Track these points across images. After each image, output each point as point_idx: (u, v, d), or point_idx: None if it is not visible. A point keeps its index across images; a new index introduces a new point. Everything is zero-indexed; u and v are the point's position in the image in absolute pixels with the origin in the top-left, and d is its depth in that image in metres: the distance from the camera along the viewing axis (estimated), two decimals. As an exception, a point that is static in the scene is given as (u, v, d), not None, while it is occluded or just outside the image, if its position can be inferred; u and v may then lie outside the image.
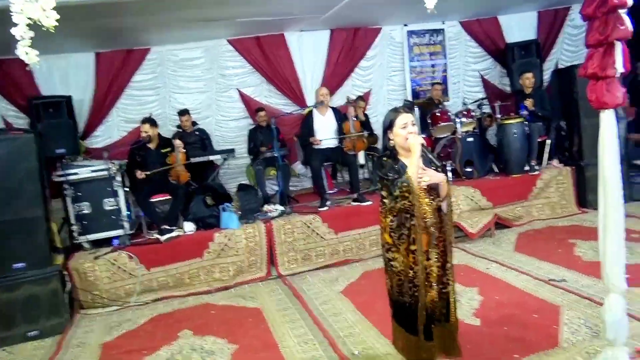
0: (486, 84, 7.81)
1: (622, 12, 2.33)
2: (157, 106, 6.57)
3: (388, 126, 2.52)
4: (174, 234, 4.97)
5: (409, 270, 2.50)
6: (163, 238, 4.89)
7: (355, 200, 5.58)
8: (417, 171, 2.42)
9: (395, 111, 2.56)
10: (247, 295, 4.64)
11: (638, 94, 8.09)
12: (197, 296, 4.76)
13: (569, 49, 8.11)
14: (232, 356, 3.44)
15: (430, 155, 2.62)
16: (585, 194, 5.92)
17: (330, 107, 5.89)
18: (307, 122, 5.80)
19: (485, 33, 7.61)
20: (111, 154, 5.37)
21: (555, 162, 6.17)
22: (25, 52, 2.25)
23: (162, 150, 5.35)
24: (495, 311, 3.59)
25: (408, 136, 2.45)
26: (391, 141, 2.52)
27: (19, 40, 2.23)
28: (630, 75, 8.49)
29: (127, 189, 5.32)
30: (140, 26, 5.49)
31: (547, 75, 7.66)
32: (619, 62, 2.33)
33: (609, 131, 2.44)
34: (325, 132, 5.72)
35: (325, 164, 5.94)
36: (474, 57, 7.79)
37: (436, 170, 2.57)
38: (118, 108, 6.48)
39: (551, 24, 7.82)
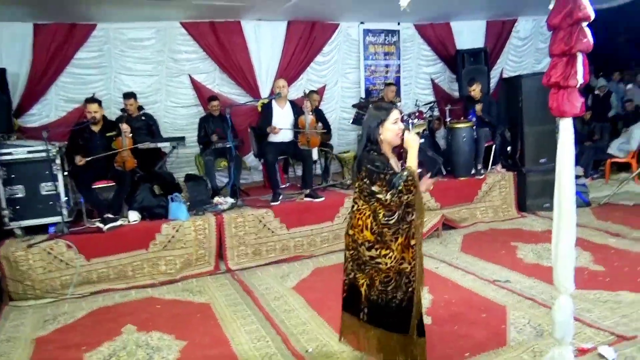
0: (436, 88, 8.04)
1: (585, 25, 2.44)
2: (101, 87, 6.20)
3: (380, 121, 2.49)
4: (117, 223, 4.70)
5: (407, 265, 2.49)
6: (106, 227, 4.62)
7: (307, 195, 5.54)
8: (416, 165, 2.44)
9: (386, 108, 2.55)
10: (194, 289, 4.48)
11: (594, 109, 8.67)
12: (140, 289, 4.54)
13: (513, 59, 8.53)
14: (181, 353, 3.30)
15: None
16: (525, 199, 6.22)
17: (289, 100, 5.81)
18: (266, 112, 5.67)
19: (437, 37, 7.82)
20: (50, 135, 4.98)
21: (498, 167, 6.45)
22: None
23: (107, 134, 5.04)
24: (445, 309, 3.68)
25: (405, 133, 2.47)
26: (380, 136, 2.49)
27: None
28: (585, 90, 9.08)
29: (66, 173, 4.97)
30: (84, -1, 5.13)
31: (492, 83, 8.00)
32: (580, 73, 2.45)
33: (566, 139, 2.56)
34: (282, 124, 5.61)
35: (279, 157, 5.85)
36: (426, 60, 7.99)
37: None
38: (57, 86, 6.04)
39: (498, 34, 8.17)
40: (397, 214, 2.44)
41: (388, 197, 2.39)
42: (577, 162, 7.50)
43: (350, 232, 2.56)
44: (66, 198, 4.84)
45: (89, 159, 4.79)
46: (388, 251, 2.46)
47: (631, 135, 7.19)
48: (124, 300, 4.33)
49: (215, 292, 4.40)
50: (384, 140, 2.50)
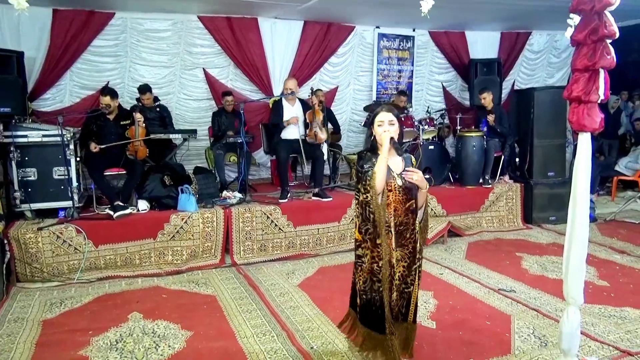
0: (447, 96, 8.07)
1: (609, 42, 2.47)
2: (115, 75, 6.25)
3: (371, 121, 2.61)
4: (127, 211, 4.74)
5: (374, 264, 2.56)
6: (116, 214, 4.65)
7: (316, 195, 5.57)
8: (385, 166, 2.48)
9: (377, 110, 2.64)
10: (200, 281, 4.51)
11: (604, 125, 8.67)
12: (146, 278, 4.57)
13: (525, 72, 8.56)
14: (187, 342, 3.32)
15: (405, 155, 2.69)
16: (531, 211, 6.24)
17: (298, 98, 5.84)
18: (277, 110, 5.71)
19: (451, 46, 7.85)
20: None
21: (506, 177, 6.48)
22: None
23: (121, 123, 5.07)
24: (449, 315, 3.71)
25: (381, 133, 2.53)
26: (372, 135, 2.61)
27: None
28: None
29: (78, 159, 5.00)
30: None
31: (504, 95, 8.02)
32: (602, 89, 2.47)
33: (584, 153, 2.58)
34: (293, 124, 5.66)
35: (290, 155, 5.88)
36: (439, 67, 8.02)
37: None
38: (72, 72, 6.08)
39: (512, 46, 8.21)
40: (362, 212, 2.55)
41: (360, 196, 2.54)
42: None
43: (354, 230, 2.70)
44: (77, 184, 4.88)
45: (103, 146, 4.82)
46: (367, 251, 2.57)
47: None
48: (130, 288, 4.36)
49: (220, 284, 4.42)
50: (378, 142, 2.58)
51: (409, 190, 2.58)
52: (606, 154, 8.60)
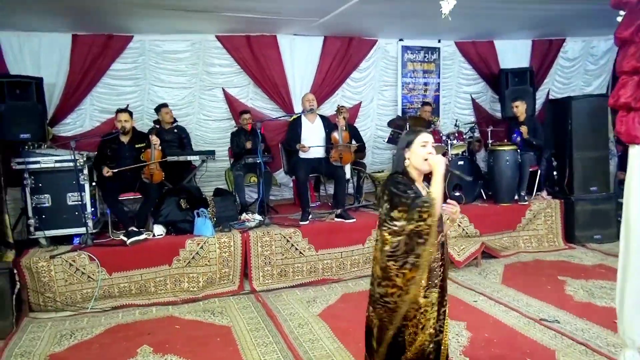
0: (477, 108, 7.69)
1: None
2: (135, 98, 6.17)
3: (406, 144, 2.27)
4: (141, 237, 4.57)
5: (413, 304, 2.21)
6: (129, 241, 4.49)
7: (338, 216, 5.29)
8: (442, 194, 2.15)
9: (416, 130, 2.33)
10: (216, 310, 4.28)
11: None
12: (161, 307, 4.38)
13: (560, 80, 8.09)
14: (196, 381, 3.08)
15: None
16: (573, 229, 5.77)
17: (319, 115, 5.62)
18: (294, 128, 5.50)
19: (479, 56, 7.50)
20: (81, 145, 4.96)
21: (544, 193, 6.04)
22: None
23: (136, 146, 4.96)
24: (485, 350, 3.34)
25: (427, 156, 2.20)
26: (407, 160, 2.25)
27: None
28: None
29: (94, 183, 4.90)
30: (122, 11, 5.10)
31: (538, 105, 7.59)
32: (656, 94, 2.13)
33: (637, 170, 2.23)
34: (312, 140, 5.44)
35: (311, 175, 5.64)
36: (467, 79, 7.67)
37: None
38: (92, 96, 6.03)
39: (545, 54, 7.77)
40: (405, 243, 2.14)
41: (403, 222, 2.13)
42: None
43: (373, 264, 2.33)
44: (93, 209, 4.77)
45: (116, 170, 4.70)
46: (394, 289, 2.18)
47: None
48: (143, 318, 4.17)
49: (236, 314, 4.18)
50: (412, 165, 2.26)
51: (441, 222, 2.28)
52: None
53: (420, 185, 2.30)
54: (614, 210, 5.84)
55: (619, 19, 2.32)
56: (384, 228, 2.20)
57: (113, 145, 4.84)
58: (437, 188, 2.14)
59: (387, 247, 2.20)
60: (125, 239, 4.54)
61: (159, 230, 4.78)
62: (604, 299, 4.16)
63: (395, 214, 2.15)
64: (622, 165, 6.80)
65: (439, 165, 2.16)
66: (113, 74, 6.04)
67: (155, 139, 4.91)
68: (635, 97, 2.13)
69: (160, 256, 4.55)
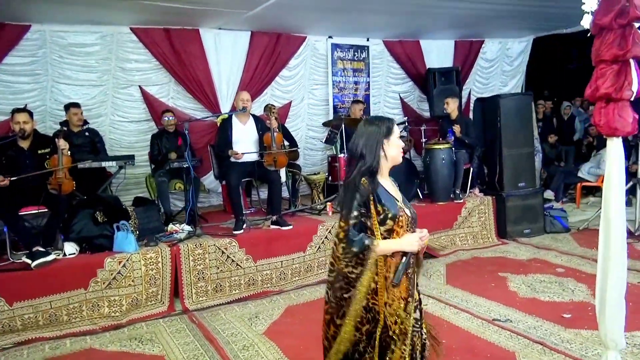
0: (405, 107, 7.71)
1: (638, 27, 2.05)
2: (35, 97, 5.40)
3: (385, 134, 1.99)
4: (49, 257, 3.89)
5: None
6: (34, 263, 3.80)
7: (274, 223, 4.92)
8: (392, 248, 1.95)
9: (387, 120, 2.06)
10: (144, 336, 3.73)
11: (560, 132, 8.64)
12: (77, 338, 3.73)
13: (480, 81, 8.39)
14: None
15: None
16: (505, 225, 5.89)
17: (252, 114, 5.23)
18: (224, 131, 5.06)
19: (407, 55, 7.52)
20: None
21: (476, 190, 6.12)
22: None
23: (39, 151, 4.26)
24: (446, 359, 3.16)
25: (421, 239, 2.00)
26: (384, 153, 1.98)
27: None
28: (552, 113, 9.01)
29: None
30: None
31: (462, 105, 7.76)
32: (635, 83, 2.04)
33: (616, 163, 2.13)
34: (245, 143, 5.03)
35: (243, 180, 5.21)
36: (395, 78, 7.67)
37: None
38: (-19, 95, 5.19)
39: (466, 55, 8.00)
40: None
41: (339, 250, 1.91)
42: (548, 186, 7.36)
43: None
44: (-16, 228, 4.00)
45: (15, 178, 3.98)
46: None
47: (601, 159, 7.08)
48: (55, 354, 3.52)
49: (169, 339, 3.67)
50: (387, 158, 2.03)
51: (415, 222, 2.04)
52: (564, 160, 8.52)
53: (387, 180, 2.07)
54: (541, 205, 6.05)
55: (585, 7, 2.21)
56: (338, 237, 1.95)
57: (9, 152, 4.10)
58: (387, 247, 1.93)
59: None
60: (28, 261, 3.84)
61: (70, 248, 4.12)
62: (546, 293, 4.20)
63: (341, 224, 1.93)
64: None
65: (413, 247, 1.96)
66: (6, 69, 5.26)
67: (63, 143, 4.24)
68: (616, 87, 2.02)
69: (73, 279, 3.90)
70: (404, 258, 1.96)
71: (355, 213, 1.92)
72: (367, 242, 1.89)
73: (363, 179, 1.96)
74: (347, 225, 1.90)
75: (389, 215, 1.94)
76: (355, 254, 1.89)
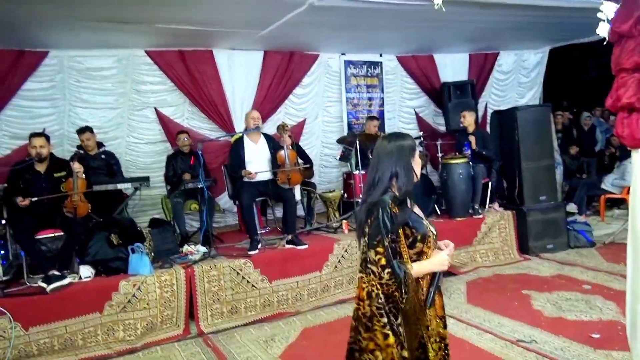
0: (420, 122, 7.63)
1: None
2: (53, 121, 5.49)
3: (411, 151, 1.94)
4: (65, 281, 3.89)
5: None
6: (50, 287, 3.79)
7: (289, 242, 4.86)
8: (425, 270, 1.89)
9: (408, 136, 2.02)
10: (159, 361, 3.69)
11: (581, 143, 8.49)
12: (91, 363, 3.71)
13: (496, 93, 8.27)
14: None
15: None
16: (527, 240, 5.72)
17: (263, 133, 5.21)
18: (236, 151, 5.03)
19: (421, 70, 7.47)
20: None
21: (495, 205, 5.98)
22: None
23: (55, 175, 4.29)
24: (469, 383, 3.03)
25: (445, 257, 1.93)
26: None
27: None
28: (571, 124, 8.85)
29: (3, 221, 4.17)
30: (36, 22, 4.47)
31: (479, 118, 7.64)
32: (659, 93, 1.94)
33: (642, 175, 2.02)
34: (257, 162, 5.00)
35: (257, 199, 5.18)
36: (409, 93, 7.62)
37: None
38: (2, 120, 5.28)
39: (481, 67, 7.92)
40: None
41: (385, 276, 1.77)
42: (571, 199, 7.15)
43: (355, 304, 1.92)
44: (2, 251, 4.02)
45: (34, 199, 4.01)
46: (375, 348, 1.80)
47: (625, 170, 6.87)
48: (70, 380, 3.50)
49: (184, 364, 3.62)
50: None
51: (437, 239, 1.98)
52: (586, 172, 8.30)
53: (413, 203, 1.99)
54: (564, 219, 5.87)
55: (600, 14, 2.13)
56: (367, 270, 1.82)
57: (27, 175, 4.15)
58: (421, 270, 1.86)
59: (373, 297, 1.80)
60: (44, 285, 3.84)
61: (86, 272, 4.11)
62: (572, 312, 4.03)
63: (372, 254, 1.80)
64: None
65: (444, 266, 1.91)
66: (26, 95, 5.34)
67: (77, 166, 4.27)
68: (639, 96, 1.92)
69: (88, 303, 3.88)
70: (435, 277, 1.90)
71: (388, 239, 1.79)
72: (404, 268, 1.79)
73: (391, 202, 1.84)
74: (385, 251, 1.78)
75: (418, 238, 1.86)
76: (402, 281, 1.77)
